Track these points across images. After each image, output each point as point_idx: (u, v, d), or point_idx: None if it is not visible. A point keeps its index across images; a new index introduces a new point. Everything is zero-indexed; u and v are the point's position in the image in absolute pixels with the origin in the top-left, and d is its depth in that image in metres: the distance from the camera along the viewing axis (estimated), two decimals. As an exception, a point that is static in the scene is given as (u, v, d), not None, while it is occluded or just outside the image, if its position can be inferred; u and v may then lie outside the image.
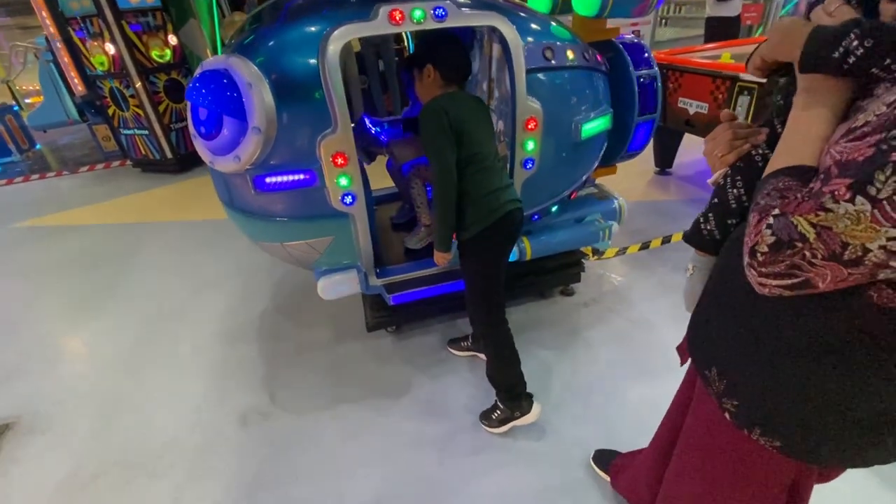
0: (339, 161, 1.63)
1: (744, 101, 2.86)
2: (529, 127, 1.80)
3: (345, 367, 2.17)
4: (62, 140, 6.59)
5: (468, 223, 1.54)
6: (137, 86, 4.44)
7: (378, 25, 1.57)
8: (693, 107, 3.25)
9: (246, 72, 1.50)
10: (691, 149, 4.01)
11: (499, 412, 1.76)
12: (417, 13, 1.59)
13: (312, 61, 1.54)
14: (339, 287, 1.89)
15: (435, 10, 1.61)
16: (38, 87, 5.80)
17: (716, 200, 0.84)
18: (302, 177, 1.64)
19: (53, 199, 4.60)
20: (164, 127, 4.68)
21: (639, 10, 1.96)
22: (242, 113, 1.51)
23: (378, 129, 2.19)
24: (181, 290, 2.86)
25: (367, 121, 2.24)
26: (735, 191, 0.79)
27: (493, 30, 1.72)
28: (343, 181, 1.67)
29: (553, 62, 1.79)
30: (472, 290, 1.68)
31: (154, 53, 4.47)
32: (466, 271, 1.67)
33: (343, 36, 1.55)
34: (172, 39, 4.62)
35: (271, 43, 1.59)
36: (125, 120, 4.74)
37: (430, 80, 1.53)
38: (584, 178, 2.16)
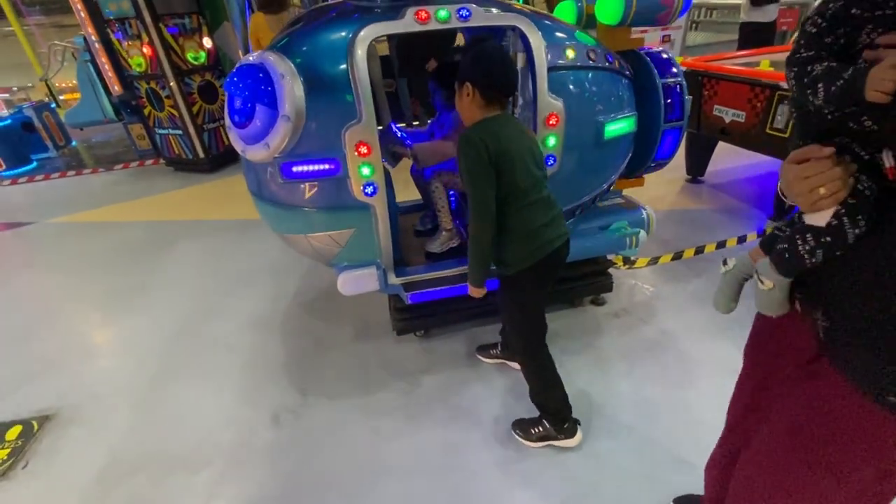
0: (363, 150, 1.68)
1: (784, 110, 2.79)
2: (550, 122, 1.81)
3: (374, 369, 2.18)
4: (96, 138, 6.80)
5: (510, 260, 1.48)
6: (172, 86, 4.55)
7: (405, 24, 1.65)
8: (729, 115, 3.18)
9: (281, 66, 1.58)
10: (724, 157, 3.92)
11: (540, 429, 1.74)
12: (442, 13, 1.65)
13: (341, 58, 1.62)
14: (359, 283, 1.92)
15: (459, 10, 1.67)
16: (73, 84, 6.00)
17: (828, 239, 0.77)
18: (327, 166, 1.69)
19: (88, 196, 4.75)
20: (197, 127, 4.79)
21: (661, 18, 1.94)
22: (274, 102, 1.58)
23: (404, 135, 2.21)
24: (214, 288, 2.92)
25: (393, 126, 2.27)
26: (857, 230, 0.74)
27: (515, 30, 1.76)
28: (365, 170, 1.71)
29: (575, 62, 1.81)
30: (511, 322, 1.66)
31: (189, 55, 4.59)
32: (505, 304, 1.62)
33: (371, 33, 1.62)
34: (207, 42, 4.73)
35: (306, 42, 1.68)
36: (160, 120, 4.87)
37: (469, 100, 1.42)
38: (607, 183, 2.14)
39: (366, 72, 1.60)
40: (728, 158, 4.03)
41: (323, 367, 2.22)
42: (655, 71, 2.01)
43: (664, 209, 3.53)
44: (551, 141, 1.84)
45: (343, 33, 1.65)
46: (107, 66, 5.08)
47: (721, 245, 2.99)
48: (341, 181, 1.72)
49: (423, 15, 1.63)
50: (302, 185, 1.73)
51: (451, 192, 2.35)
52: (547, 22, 1.83)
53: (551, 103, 1.79)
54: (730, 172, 4.02)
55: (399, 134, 2.15)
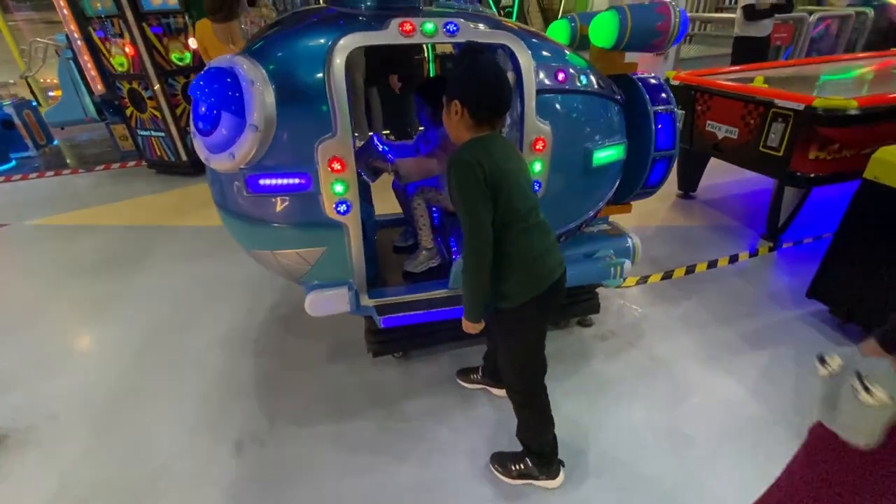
0: (336, 166, 1.58)
1: (778, 128, 2.73)
2: (537, 148, 1.72)
3: (349, 394, 2.07)
4: (80, 137, 6.63)
5: (510, 292, 1.36)
6: (156, 88, 4.43)
7: (388, 35, 1.55)
8: (722, 131, 3.12)
9: (252, 72, 1.48)
10: (717, 172, 3.86)
11: (522, 466, 1.63)
12: (429, 26, 1.57)
13: (318, 67, 1.53)
14: (328, 304, 1.81)
15: (447, 24, 1.59)
16: (56, 81, 5.84)
17: None
18: (297, 181, 1.59)
19: (68, 197, 4.59)
20: (180, 130, 4.65)
21: (657, 44, 1.87)
22: (241, 110, 1.48)
23: (386, 148, 2.11)
24: (188, 300, 2.80)
25: (375, 139, 2.17)
26: None
27: (504, 48, 1.67)
28: (338, 188, 1.61)
29: (565, 85, 1.72)
30: (507, 358, 1.53)
31: (174, 56, 4.46)
32: (503, 339, 1.51)
33: (351, 43, 1.52)
34: (192, 43, 4.61)
35: (280, 47, 1.59)
36: (142, 121, 4.73)
37: (457, 119, 1.29)
38: (594, 210, 2.05)
39: (343, 83, 1.51)
40: (720, 174, 3.97)
41: (295, 390, 2.10)
42: (648, 98, 1.93)
43: (654, 225, 3.46)
44: (537, 166, 1.75)
45: (322, 40, 1.55)
46: (89, 65, 4.95)
47: (712, 265, 2.91)
48: (312, 197, 1.62)
49: (408, 27, 1.54)
50: (269, 200, 1.62)
51: (434, 209, 2.25)
52: (537, 41, 1.75)
53: (539, 127, 1.70)
54: (722, 188, 3.97)
55: (381, 148, 2.05)
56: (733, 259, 2.96)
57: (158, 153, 4.87)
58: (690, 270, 2.87)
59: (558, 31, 2.15)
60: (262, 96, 1.47)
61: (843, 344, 2.24)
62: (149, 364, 2.31)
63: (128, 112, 4.79)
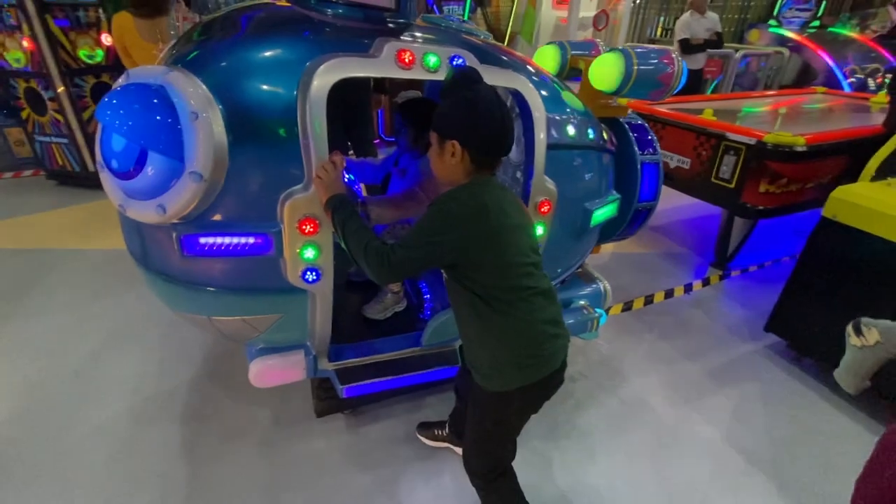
0: (308, 228, 1.27)
1: (730, 160, 2.77)
2: (542, 210, 1.55)
3: (287, 463, 1.74)
4: (-36, 140, 5.68)
5: (498, 374, 1.14)
6: (60, 90, 3.83)
7: (381, 65, 1.26)
8: (674, 160, 3.14)
9: (191, 93, 1.13)
10: (667, 201, 3.92)
11: None
12: (432, 59, 1.31)
13: (285, 92, 1.20)
14: (279, 374, 1.52)
15: (452, 59, 1.34)
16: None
17: None
18: (251, 241, 1.26)
19: (-61, 212, 3.84)
20: (87, 136, 4.05)
21: (655, 94, 1.77)
22: (179, 150, 1.13)
23: (351, 178, 1.82)
24: (86, 342, 2.32)
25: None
26: None
27: (515, 94, 1.47)
28: (309, 253, 1.31)
29: (576, 139, 1.56)
30: (473, 437, 1.30)
31: (82, 53, 3.89)
32: (475, 416, 1.28)
33: (335, 70, 1.22)
34: (107, 39, 4.06)
35: (230, 58, 1.23)
36: (41, 125, 4.08)
37: (453, 161, 1.10)
38: (579, 265, 1.92)
39: (323, 119, 1.20)
40: (671, 202, 4.05)
41: (219, 461, 1.74)
42: (636, 147, 1.82)
43: (606, 252, 3.42)
44: (538, 230, 1.57)
45: (289, 54, 1.24)
46: (-23, 58, 4.23)
47: (669, 294, 2.89)
48: (271, 262, 1.31)
49: (408, 58, 1.27)
50: (210, 262, 1.29)
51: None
52: (544, 84, 1.56)
53: (547, 187, 1.52)
54: (668, 214, 4.04)
55: (346, 178, 1.76)
56: (688, 288, 2.96)
57: (60, 162, 4.22)
58: (649, 301, 2.82)
59: (546, 58, 2.01)
60: (209, 133, 1.12)
61: (800, 377, 2.24)
62: (30, 432, 1.84)
63: (24, 115, 4.12)
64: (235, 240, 1.25)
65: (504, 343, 1.12)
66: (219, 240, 1.24)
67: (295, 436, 1.84)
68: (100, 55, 4.01)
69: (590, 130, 1.65)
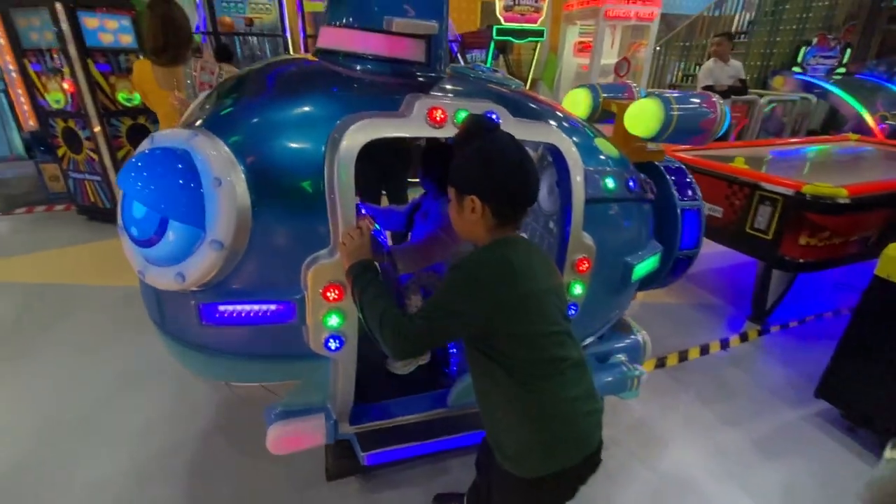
0: (332, 295, 1.21)
1: (765, 211, 2.65)
2: (581, 269, 1.46)
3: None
4: (4, 174, 5.93)
5: (524, 458, 1.02)
6: (96, 130, 3.98)
7: (412, 125, 1.22)
8: (705, 209, 3.03)
9: (214, 158, 1.09)
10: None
11: None
12: (464, 116, 1.25)
13: (311, 153, 1.16)
14: (299, 440, 1.41)
15: (487, 115, 1.28)
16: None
17: None
18: (273, 308, 1.21)
19: (-28, 245, 3.94)
20: (119, 174, 4.17)
21: (698, 139, 1.71)
22: (200, 217, 1.09)
23: (377, 227, 1.77)
24: (96, 386, 2.26)
25: (363, 211, 1.84)
26: None
27: (551, 149, 1.42)
28: (333, 320, 1.24)
29: (615, 192, 1.49)
30: None
31: (121, 96, 4.07)
32: (500, 502, 1.18)
33: (366, 131, 1.17)
34: (141, 83, 4.24)
35: (254, 118, 1.21)
36: (76, 162, 4.22)
37: (474, 217, 1.02)
38: (617, 318, 1.82)
39: (351, 181, 1.15)
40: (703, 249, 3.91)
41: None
42: (675, 192, 1.74)
43: (634, 302, 3.26)
44: (577, 289, 1.49)
45: (317, 115, 1.21)
46: (23, 99, 4.44)
47: (705, 350, 2.71)
48: (292, 329, 1.25)
49: (439, 116, 1.22)
50: (229, 330, 1.24)
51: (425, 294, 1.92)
52: (580, 130, 1.52)
53: (585, 244, 1.44)
54: (700, 262, 3.87)
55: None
56: (724, 344, 2.78)
57: (91, 198, 4.34)
58: (683, 357, 2.65)
59: (577, 102, 1.97)
60: (231, 199, 1.08)
61: (858, 452, 2.03)
62: (26, 485, 1.76)
63: (60, 152, 4.27)
64: (256, 307, 1.20)
65: (533, 423, 1.01)
66: (239, 307, 1.19)
67: (306, 500, 1.71)
68: (137, 98, 4.16)
69: (629, 180, 1.58)
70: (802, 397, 2.31)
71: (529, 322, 0.99)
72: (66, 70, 3.80)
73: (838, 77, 6.80)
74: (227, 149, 1.13)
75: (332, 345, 1.27)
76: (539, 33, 6.26)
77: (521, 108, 1.43)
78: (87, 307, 2.97)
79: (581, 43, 6.73)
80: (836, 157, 3.82)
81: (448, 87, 1.40)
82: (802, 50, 6.68)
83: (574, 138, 1.44)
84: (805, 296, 3.28)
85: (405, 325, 0.97)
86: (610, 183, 1.51)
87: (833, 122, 6.57)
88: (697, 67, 8.31)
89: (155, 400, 2.18)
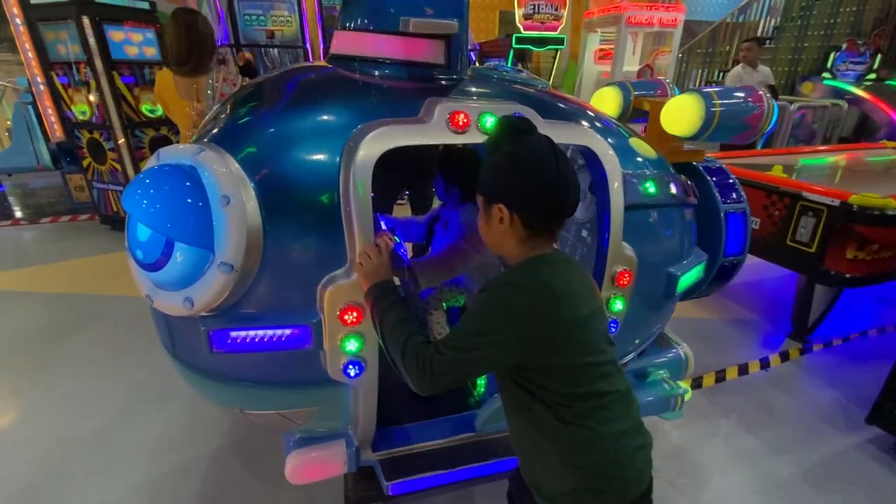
0: (351, 317, 1.13)
1: (808, 222, 2.50)
2: (621, 282, 1.35)
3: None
4: (32, 184, 6.07)
5: (576, 499, 0.93)
6: (120, 142, 4.02)
7: (432, 131, 1.14)
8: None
9: (222, 175, 1.03)
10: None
11: None
12: (489, 120, 1.17)
13: (325, 166, 1.09)
14: (319, 469, 1.33)
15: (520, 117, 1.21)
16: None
17: None
18: (287, 333, 1.13)
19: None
20: (141, 185, 4.20)
21: (743, 136, 1.60)
22: (208, 238, 1.03)
23: (397, 240, 1.70)
24: (113, 400, 2.22)
25: (382, 223, 1.77)
26: None
27: (584, 152, 1.32)
28: (352, 345, 1.16)
29: (655, 196, 1.39)
30: None
31: (144, 108, 4.11)
32: None
33: (383, 139, 1.09)
34: (163, 94, 4.28)
35: (265, 131, 1.15)
36: (100, 173, 4.28)
37: (503, 228, 0.93)
38: (660, 331, 1.71)
39: (368, 197, 1.08)
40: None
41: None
42: (718, 195, 1.63)
43: (671, 317, 3.13)
44: (617, 305, 1.39)
45: (331, 126, 1.15)
46: (50, 111, 4.53)
47: (744, 371, 2.56)
48: (309, 355, 1.18)
49: (462, 120, 1.14)
50: (242, 357, 1.18)
51: (452, 309, 1.84)
52: (614, 130, 1.43)
53: (625, 255, 1.34)
54: (738, 276, 3.72)
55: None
56: (764, 364, 2.62)
57: (115, 208, 4.38)
58: (721, 377, 2.50)
59: (606, 100, 1.88)
60: (241, 218, 1.02)
61: (920, 485, 1.86)
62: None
63: (85, 163, 4.33)
64: (270, 332, 1.13)
65: (578, 463, 0.91)
66: (251, 333, 1.12)
67: (324, 528, 1.63)
68: (160, 110, 4.20)
69: (670, 184, 1.47)
70: (853, 423, 2.15)
71: (572, 353, 0.89)
72: (92, 83, 3.85)
73: (869, 83, 6.58)
74: (236, 164, 1.07)
75: (352, 371, 1.19)
76: (559, 41, 6.19)
77: (550, 108, 1.35)
78: (105, 318, 2.96)
79: (602, 50, 6.64)
80: (876, 166, 3.64)
81: (470, 89, 1.34)
82: (832, 56, 6.48)
83: (609, 139, 1.35)
84: (846, 312, 3.09)
85: (430, 358, 0.87)
86: (650, 187, 1.40)
87: (864, 129, 6.34)
88: (721, 75, 8.14)
89: (170, 416, 2.13)
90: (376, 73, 1.33)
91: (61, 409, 2.18)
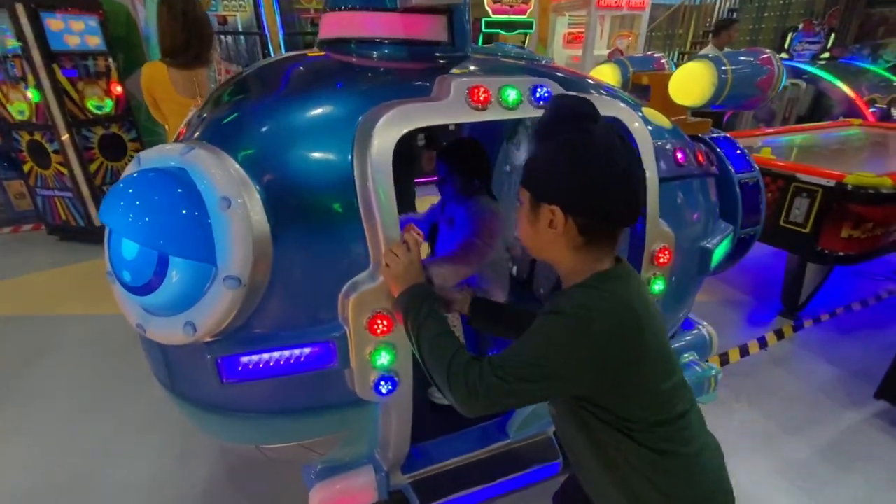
0: (380, 326, 1.00)
1: (802, 203, 2.53)
2: (660, 261, 1.27)
3: None
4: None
5: None
6: (64, 139, 3.62)
7: (451, 109, 1.02)
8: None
9: (220, 175, 0.89)
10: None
11: None
12: (511, 94, 1.07)
13: (337, 157, 0.98)
14: (348, 500, 1.20)
15: (535, 90, 1.10)
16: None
17: None
18: (308, 352, 1.00)
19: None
20: (93, 189, 3.83)
21: (753, 102, 1.57)
22: (208, 249, 0.88)
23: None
24: (93, 435, 1.99)
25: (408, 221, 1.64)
26: None
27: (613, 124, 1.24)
28: (383, 358, 1.03)
29: (684, 167, 1.33)
30: None
31: (90, 103, 3.72)
32: None
33: (399, 121, 0.97)
34: (117, 88, 3.89)
35: (265, 126, 1.02)
36: (44, 178, 3.86)
37: (551, 233, 0.80)
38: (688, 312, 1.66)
39: (390, 185, 0.96)
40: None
41: None
42: (731, 165, 1.59)
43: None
44: (658, 286, 1.31)
45: (339, 113, 1.03)
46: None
47: (745, 352, 2.59)
48: (333, 375, 1.05)
49: (482, 96, 1.03)
50: (256, 385, 1.03)
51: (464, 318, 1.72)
52: (631, 102, 1.36)
53: (663, 231, 1.25)
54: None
55: None
56: (762, 343, 2.66)
57: (63, 216, 3.98)
58: (724, 360, 2.52)
59: (604, 77, 1.85)
60: (245, 222, 0.89)
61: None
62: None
63: (26, 168, 3.89)
64: (287, 353, 0.99)
65: (666, 494, 0.83)
66: (266, 356, 0.98)
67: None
68: (109, 105, 3.84)
69: (699, 155, 1.44)
70: (857, 398, 2.21)
71: (653, 379, 0.80)
72: (30, 77, 3.44)
73: (822, 62, 6.85)
74: (235, 165, 0.95)
75: (384, 388, 1.07)
76: (528, 25, 6.10)
77: (571, 82, 1.27)
78: (70, 342, 2.66)
79: (571, 34, 6.60)
80: (855, 145, 3.76)
81: (478, 66, 1.24)
82: (789, 36, 6.70)
83: (652, 123, 1.32)
84: (827, 287, 3.20)
85: (484, 383, 0.76)
86: (679, 156, 1.35)
87: (819, 108, 6.61)
88: (681, 58, 8.29)
89: (159, 445, 1.93)
90: (376, 54, 1.22)
91: (32, 452, 1.92)
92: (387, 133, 0.95)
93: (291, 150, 0.99)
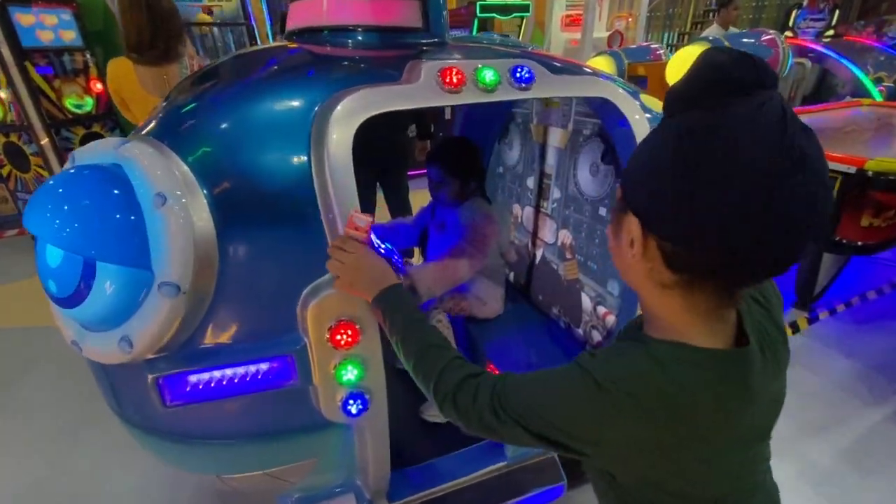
0: (344, 337, 0.89)
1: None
2: None
3: None
4: (-56, 197, 5.29)
5: None
6: (43, 143, 3.48)
7: (420, 92, 0.92)
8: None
9: (153, 170, 0.80)
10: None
11: None
12: (488, 74, 0.97)
13: (292, 150, 0.88)
14: None
15: (515, 70, 1.00)
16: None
17: None
18: (264, 368, 0.89)
19: None
20: (77, 192, 3.69)
21: None
22: (142, 253, 0.79)
23: (388, 247, 1.46)
24: (79, 451, 1.89)
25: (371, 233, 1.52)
26: None
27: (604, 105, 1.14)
28: (350, 373, 0.93)
29: None
30: None
31: (69, 102, 3.56)
32: None
33: (360, 108, 0.87)
34: (97, 85, 3.73)
35: (211, 118, 0.92)
36: (24, 182, 3.72)
37: (631, 254, 0.56)
38: None
39: (351, 178, 0.85)
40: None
41: None
42: None
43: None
44: None
45: (297, 102, 0.92)
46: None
47: (759, 348, 2.49)
48: (294, 393, 0.94)
49: (455, 77, 0.93)
50: (207, 407, 0.91)
51: (457, 319, 1.62)
52: (628, 87, 1.23)
53: None
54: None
55: (382, 248, 1.37)
56: (794, 328, 2.56)
57: (48, 221, 3.84)
58: (738, 357, 2.42)
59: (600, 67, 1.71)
60: (184, 221, 0.79)
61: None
62: None
63: (4, 172, 3.75)
64: (241, 370, 0.88)
65: None
66: (216, 374, 0.87)
67: None
68: (89, 104, 3.68)
69: None
70: (877, 394, 2.12)
71: (711, 465, 0.63)
72: (1, 77, 3.28)
73: (827, 40, 6.67)
74: (176, 158, 0.85)
75: (353, 408, 0.96)
76: (525, 8, 5.90)
77: (556, 65, 1.14)
78: (55, 355, 2.54)
79: (569, 17, 6.39)
80: (869, 127, 3.61)
81: (456, 52, 1.13)
82: (794, 13, 6.51)
83: (634, 94, 1.20)
84: (839, 276, 3.09)
85: (472, 405, 0.67)
86: None
87: (824, 87, 6.45)
88: (681, 38, 8.10)
89: (152, 462, 1.82)
90: (350, 42, 1.12)
91: (17, 474, 1.82)
92: (346, 121, 0.86)
93: (242, 145, 0.89)
